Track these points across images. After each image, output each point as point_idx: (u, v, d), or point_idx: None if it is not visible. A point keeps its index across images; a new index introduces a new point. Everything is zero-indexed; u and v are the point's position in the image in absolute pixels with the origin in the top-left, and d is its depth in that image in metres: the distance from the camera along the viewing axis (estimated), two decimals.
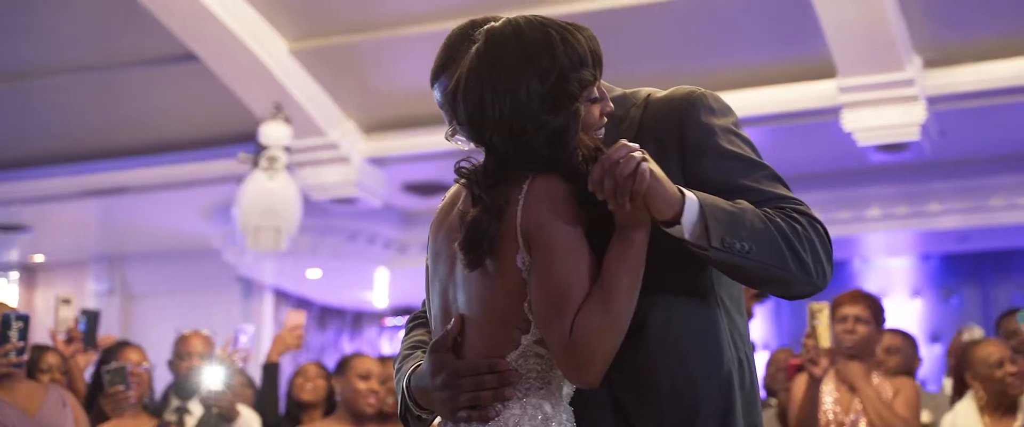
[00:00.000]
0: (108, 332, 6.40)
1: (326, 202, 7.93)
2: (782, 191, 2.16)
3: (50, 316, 5.55)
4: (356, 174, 7.69)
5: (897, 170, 7.88)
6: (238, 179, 7.42)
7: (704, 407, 2.10)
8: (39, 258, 10.91)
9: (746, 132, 2.22)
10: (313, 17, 7.01)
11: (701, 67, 6.89)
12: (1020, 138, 7.52)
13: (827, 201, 8.32)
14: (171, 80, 7.51)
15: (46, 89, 7.73)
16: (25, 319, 4.09)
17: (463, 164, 2.10)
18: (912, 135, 6.70)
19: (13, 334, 4.01)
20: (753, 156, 2.17)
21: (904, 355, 5.59)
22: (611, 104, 2.15)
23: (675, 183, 2.02)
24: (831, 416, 4.79)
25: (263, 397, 5.85)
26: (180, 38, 6.83)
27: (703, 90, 2.20)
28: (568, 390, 2.11)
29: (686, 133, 2.15)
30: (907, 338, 5.73)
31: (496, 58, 2.05)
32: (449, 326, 2.12)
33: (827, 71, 6.65)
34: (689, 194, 2.01)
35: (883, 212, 8.32)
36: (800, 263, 2.08)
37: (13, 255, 10.88)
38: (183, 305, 9.84)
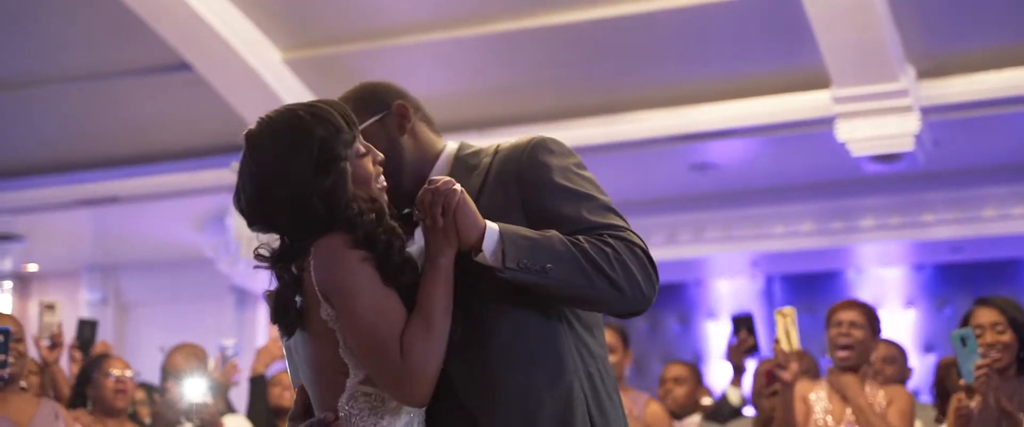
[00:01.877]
0: (101, 340, 6.39)
1: None
2: (611, 220, 2.37)
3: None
4: None
5: (891, 180, 7.88)
6: (231, 189, 7.39)
7: (544, 411, 2.29)
8: (32, 267, 10.88)
9: (588, 172, 2.46)
10: (307, 27, 7.01)
11: (695, 77, 6.90)
12: (1014, 148, 7.53)
13: (821, 211, 8.33)
14: (164, 89, 7.50)
15: (39, 98, 7.71)
16: (6, 332, 4.07)
17: (261, 250, 2.34)
18: (906, 145, 6.71)
19: None
20: (586, 190, 2.40)
21: (898, 365, 5.59)
22: (380, 154, 2.38)
23: (513, 216, 2.32)
24: (822, 426, 4.79)
25: (253, 410, 5.84)
26: (174, 47, 6.83)
27: (545, 137, 2.45)
28: (405, 420, 2.29)
29: (525, 172, 2.40)
30: (899, 349, 5.73)
31: (261, 152, 2.32)
32: (294, 399, 2.42)
33: (821, 81, 6.66)
34: (491, 223, 2.26)
35: (877, 222, 8.32)
36: (608, 281, 2.27)
37: (6, 264, 10.85)
38: (176, 315, 9.83)
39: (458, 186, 2.27)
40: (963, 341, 4.24)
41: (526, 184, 2.39)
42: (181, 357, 5.77)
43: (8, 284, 11.13)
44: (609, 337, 5.19)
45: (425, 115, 2.57)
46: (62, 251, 10.35)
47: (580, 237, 2.30)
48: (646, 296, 2.33)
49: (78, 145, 8.24)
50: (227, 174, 7.48)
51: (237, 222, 7.16)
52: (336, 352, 2.25)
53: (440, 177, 2.30)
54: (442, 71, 7.08)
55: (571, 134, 7.19)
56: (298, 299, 2.27)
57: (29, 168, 8.45)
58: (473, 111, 7.23)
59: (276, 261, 2.32)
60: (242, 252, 7.34)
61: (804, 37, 6.27)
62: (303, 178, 2.26)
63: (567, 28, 6.57)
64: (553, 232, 2.30)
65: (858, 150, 6.81)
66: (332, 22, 6.93)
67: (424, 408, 2.30)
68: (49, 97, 7.69)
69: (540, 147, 2.42)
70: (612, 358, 5.12)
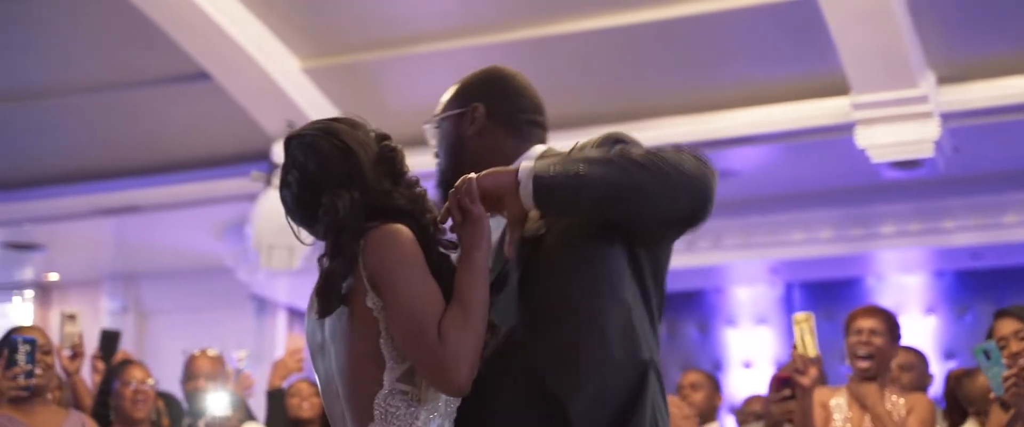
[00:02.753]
0: (122, 349, 6.41)
1: None
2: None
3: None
4: None
5: (911, 187, 7.85)
6: (251, 197, 7.43)
7: (617, 382, 2.33)
8: (53, 277, 10.92)
9: None
10: (325, 35, 7.03)
11: (713, 84, 6.89)
12: None
13: (840, 218, 8.30)
14: (184, 99, 7.53)
15: (59, 108, 7.75)
16: (32, 342, 4.09)
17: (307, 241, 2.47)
18: (926, 152, 6.68)
19: (21, 357, 4.02)
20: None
21: (918, 372, 5.55)
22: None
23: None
24: None
25: (271, 424, 5.85)
26: (192, 56, 6.86)
27: (617, 132, 2.48)
28: (437, 422, 2.33)
29: None
30: (919, 355, 5.69)
31: (315, 147, 2.45)
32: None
33: (840, 88, 6.64)
34: (523, 163, 2.34)
35: (896, 229, 8.29)
36: (645, 169, 2.28)
37: (28, 273, 10.90)
38: (197, 323, 9.84)
39: (471, 175, 2.35)
40: (987, 355, 4.21)
41: None
42: (205, 361, 5.79)
43: (29, 293, 11.18)
44: None
45: (523, 119, 2.64)
46: (83, 260, 10.39)
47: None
48: (697, 175, 2.34)
49: (98, 154, 8.27)
50: (247, 183, 7.50)
51: (256, 231, 7.17)
52: (375, 343, 2.30)
53: (463, 177, 2.36)
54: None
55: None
56: (345, 284, 2.32)
57: (50, 178, 8.49)
58: None
59: (332, 255, 2.36)
60: (261, 261, 7.35)
61: (823, 43, 6.26)
62: (359, 172, 2.38)
63: (585, 36, 6.56)
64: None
65: (878, 156, 6.78)
66: (351, 30, 6.94)
67: (453, 416, 2.35)
68: (69, 107, 7.73)
69: (607, 140, 2.44)
70: None
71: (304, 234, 2.47)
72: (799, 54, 6.68)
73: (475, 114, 2.60)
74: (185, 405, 5.85)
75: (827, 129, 6.93)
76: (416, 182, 2.45)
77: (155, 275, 10.45)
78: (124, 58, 7.28)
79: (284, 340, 9.83)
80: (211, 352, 5.97)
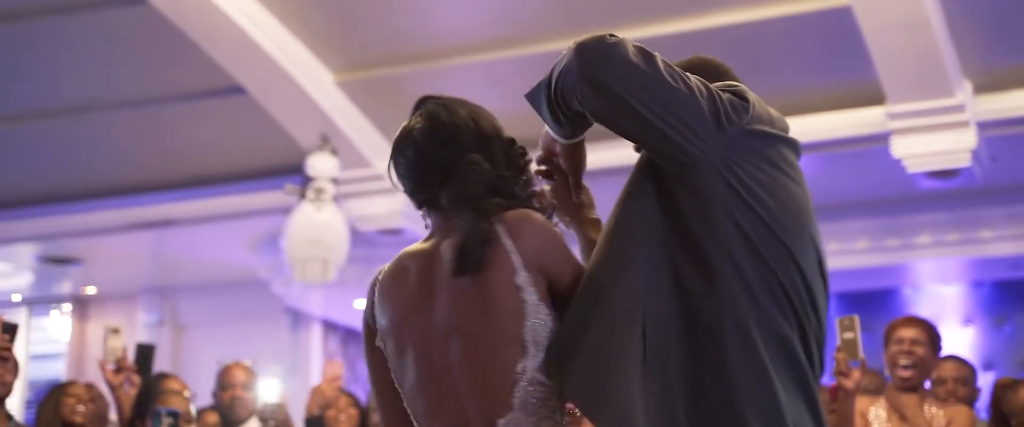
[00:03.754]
0: (158, 362, 6.44)
1: (373, 233, 7.94)
2: None
3: (100, 348, 5.58)
4: (403, 205, 7.69)
5: (947, 197, 7.79)
6: (285, 211, 7.46)
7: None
8: (91, 290, 11.00)
9: None
10: (359, 49, 7.05)
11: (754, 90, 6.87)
12: None
13: (877, 228, 8.25)
14: (218, 113, 7.57)
15: (95, 123, 7.81)
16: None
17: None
18: (963, 161, 6.63)
19: None
20: None
21: (970, 386, 5.46)
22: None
23: None
24: None
25: None
26: (227, 71, 6.89)
27: None
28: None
29: None
30: (971, 368, 5.60)
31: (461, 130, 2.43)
32: None
33: (876, 97, 6.60)
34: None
35: (933, 239, 8.23)
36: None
37: (65, 287, 10.99)
38: (232, 336, 9.89)
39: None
40: None
41: None
42: (239, 370, 5.82)
43: (67, 307, 11.27)
44: None
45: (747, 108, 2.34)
46: (119, 274, 10.46)
47: None
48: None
49: (134, 169, 8.33)
50: (281, 196, 7.52)
51: (291, 244, 7.19)
52: (518, 328, 2.21)
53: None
54: (495, 91, 7.05)
55: (624, 152, 7.17)
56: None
57: (86, 192, 8.55)
58: (525, 131, 7.22)
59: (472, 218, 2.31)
60: (296, 274, 7.36)
61: (859, 53, 6.22)
62: (489, 148, 2.40)
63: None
64: None
65: (914, 166, 6.73)
66: (384, 44, 6.96)
67: None
68: (105, 122, 7.79)
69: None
70: None
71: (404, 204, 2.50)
72: (834, 64, 6.64)
73: None
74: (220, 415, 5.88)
75: (863, 139, 6.89)
76: (532, 180, 2.46)
77: (191, 288, 10.51)
78: (159, 73, 7.33)
79: (319, 352, 9.88)
80: (244, 362, 6.00)
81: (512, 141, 2.45)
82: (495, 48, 6.77)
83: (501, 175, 2.35)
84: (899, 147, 6.66)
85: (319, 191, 7.17)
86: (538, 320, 2.21)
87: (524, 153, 2.46)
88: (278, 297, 9.59)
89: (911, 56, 6.14)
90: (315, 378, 9.01)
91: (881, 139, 6.73)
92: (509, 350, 2.20)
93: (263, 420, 5.39)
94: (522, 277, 2.21)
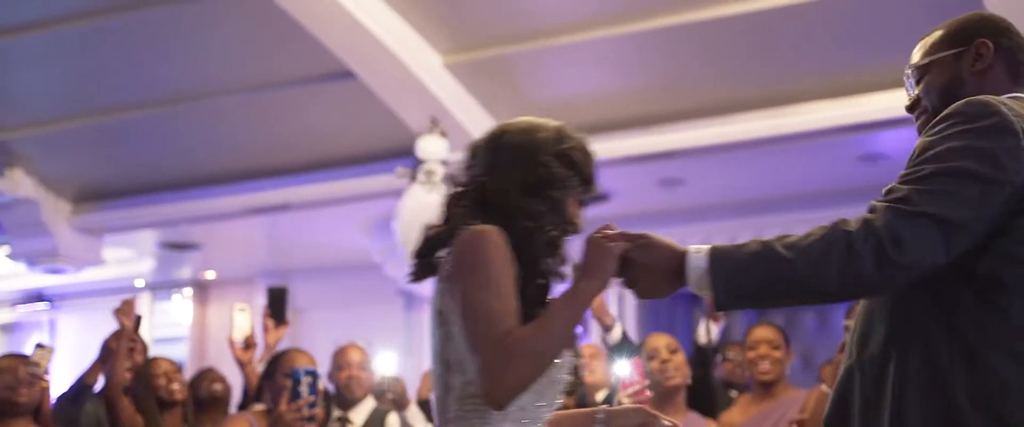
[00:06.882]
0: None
1: None
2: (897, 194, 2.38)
3: (223, 331, 5.71)
4: None
5: None
6: (397, 193, 7.51)
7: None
8: (210, 275, 11.23)
9: (975, 140, 2.30)
10: (466, 30, 7.06)
11: (861, 66, 6.73)
12: None
13: None
14: (329, 97, 7.65)
15: (210, 110, 7.95)
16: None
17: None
18: None
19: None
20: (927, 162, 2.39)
21: None
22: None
23: None
24: None
25: None
26: (337, 55, 6.96)
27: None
28: None
29: None
30: None
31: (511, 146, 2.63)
32: None
33: None
34: (692, 253, 2.21)
35: None
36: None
37: (186, 272, 11.24)
38: (347, 318, 10.00)
39: (611, 232, 2.26)
40: None
41: None
42: (354, 351, 5.87)
43: (188, 291, 11.52)
44: (769, 334, 5.10)
45: (1023, 59, 2.51)
46: (237, 258, 10.65)
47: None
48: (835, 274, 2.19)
49: (249, 155, 8.46)
50: (393, 179, 7.58)
51: (403, 227, 7.24)
52: (449, 345, 2.25)
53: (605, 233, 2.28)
54: (602, 69, 7.05)
55: (735, 128, 7.08)
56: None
57: (204, 179, 8.71)
58: (635, 108, 7.18)
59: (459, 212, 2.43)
60: (408, 257, 7.41)
61: None
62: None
63: (727, 21, 6.46)
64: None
65: None
66: (491, 24, 6.96)
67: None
68: (220, 109, 7.92)
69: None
70: (776, 354, 5.05)
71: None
72: None
73: (981, 50, 2.51)
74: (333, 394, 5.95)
75: None
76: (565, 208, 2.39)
77: (306, 271, 10.65)
78: (271, 59, 7.43)
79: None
80: (358, 344, 6.06)
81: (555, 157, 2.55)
82: (602, 25, 6.73)
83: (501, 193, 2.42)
84: None
85: (430, 173, 7.20)
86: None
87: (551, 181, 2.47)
88: (391, 279, 9.66)
89: None
90: (428, 361, 9.06)
91: None
92: (446, 369, 2.29)
93: (379, 394, 5.44)
94: (447, 299, 2.25)
